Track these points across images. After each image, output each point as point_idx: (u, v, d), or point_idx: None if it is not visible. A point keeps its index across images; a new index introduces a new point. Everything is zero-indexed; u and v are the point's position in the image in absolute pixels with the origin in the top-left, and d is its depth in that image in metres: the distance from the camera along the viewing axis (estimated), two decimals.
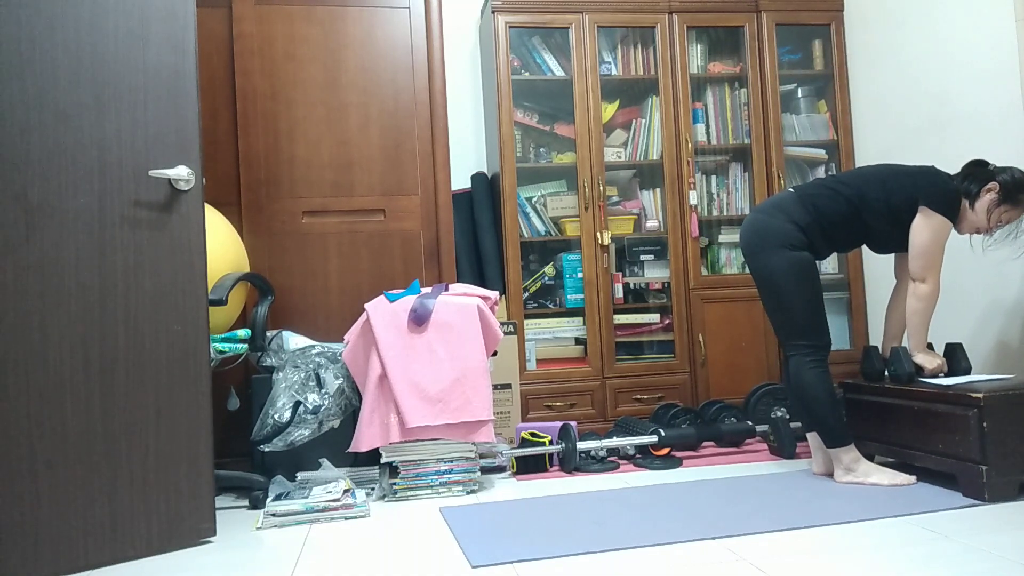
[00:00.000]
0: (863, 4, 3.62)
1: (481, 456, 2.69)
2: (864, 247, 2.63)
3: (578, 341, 3.55)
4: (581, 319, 3.54)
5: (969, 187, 2.43)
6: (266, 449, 2.58)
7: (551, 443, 2.84)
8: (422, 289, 2.79)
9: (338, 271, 3.09)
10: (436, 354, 2.58)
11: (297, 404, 2.59)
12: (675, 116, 3.62)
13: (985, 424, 2.14)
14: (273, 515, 2.27)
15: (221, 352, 2.53)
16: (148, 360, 2.04)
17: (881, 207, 2.45)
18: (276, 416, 2.58)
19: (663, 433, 2.89)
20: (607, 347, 3.49)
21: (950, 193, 2.42)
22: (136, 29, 2.06)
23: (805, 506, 2.17)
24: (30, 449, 1.86)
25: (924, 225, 2.41)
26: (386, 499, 2.52)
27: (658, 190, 3.69)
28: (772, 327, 2.65)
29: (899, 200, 2.43)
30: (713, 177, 3.74)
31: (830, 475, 2.49)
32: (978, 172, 2.45)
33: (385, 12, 3.18)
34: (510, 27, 3.51)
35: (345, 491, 2.36)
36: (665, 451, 2.88)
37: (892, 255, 2.67)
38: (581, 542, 1.92)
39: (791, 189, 2.57)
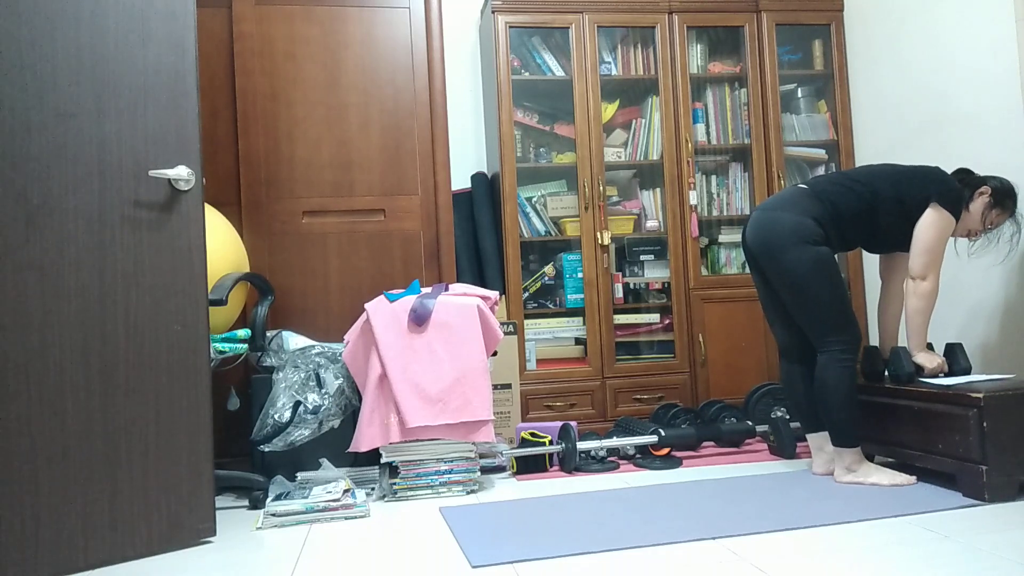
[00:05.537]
0: (863, 4, 3.62)
1: (481, 456, 2.69)
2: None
3: (578, 341, 3.55)
4: (581, 319, 3.54)
5: (963, 190, 2.50)
6: (266, 449, 2.58)
7: (551, 443, 2.84)
8: (422, 289, 2.79)
9: (338, 271, 3.09)
10: (436, 354, 2.58)
11: (297, 404, 2.59)
12: (675, 116, 3.62)
13: (985, 424, 2.14)
14: (273, 515, 2.27)
15: (221, 352, 2.53)
16: (148, 360, 2.04)
17: (893, 206, 2.46)
18: (276, 416, 2.58)
19: (663, 433, 2.89)
20: (607, 347, 3.49)
21: (959, 192, 2.47)
22: (136, 29, 2.06)
23: (805, 506, 2.17)
24: (30, 449, 1.86)
25: (933, 221, 2.42)
26: (386, 499, 2.52)
27: (658, 190, 3.69)
28: (774, 327, 2.63)
29: (911, 199, 2.45)
30: (713, 177, 3.74)
31: (830, 475, 2.49)
32: (968, 178, 2.54)
33: (385, 12, 3.18)
34: (510, 27, 3.51)
35: (345, 491, 2.36)
36: (665, 451, 2.88)
37: (877, 258, 2.69)
38: (581, 542, 1.92)
39: (803, 185, 2.54)
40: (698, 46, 3.73)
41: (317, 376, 2.66)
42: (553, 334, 3.53)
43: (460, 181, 3.72)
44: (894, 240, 2.52)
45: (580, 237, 3.52)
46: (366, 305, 2.67)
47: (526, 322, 3.48)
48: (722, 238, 3.72)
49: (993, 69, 2.91)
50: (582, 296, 3.51)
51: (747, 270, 3.67)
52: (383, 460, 2.54)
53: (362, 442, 2.52)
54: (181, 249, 2.11)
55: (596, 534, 1.98)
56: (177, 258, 2.10)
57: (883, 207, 2.47)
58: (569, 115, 3.60)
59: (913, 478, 2.36)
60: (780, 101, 3.69)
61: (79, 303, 1.95)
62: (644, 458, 2.86)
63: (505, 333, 3.10)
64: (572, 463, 2.76)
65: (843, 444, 2.40)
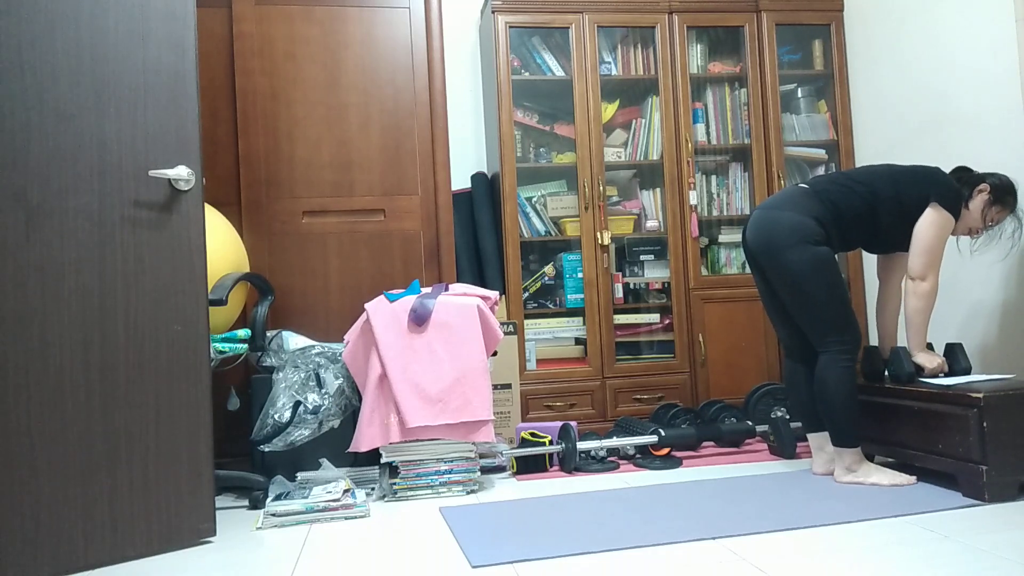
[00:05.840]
0: (863, 4, 3.62)
1: (481, 456, 2.69)
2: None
3: (578, 341, 3.55)
4: (581, 319, 3.54)
5: (961, 190, 2.50)
6: (266, 449, 2.58)
7: (551, 443, 2.84)
8: (422, 289, 2.79)
9: (338, 271, 3.09)
10: (436, 354, 2.58)
11: (297, 404, 2.59)
12: (675, 116, 3.62)
13: (985, 424, 2.14)
14: (273, 515, 2.27)
15: (221, 352, 2.53)
16: (148, 360, 2.04)
17: (893, 206, 2.46)
18: (276, 416, 2.58)
19: (663, 433, 2.89)
20: (607, 347, 3.49)
21: (958, 192, 2.48)
22: (136, 29, 2.06)
23: (805, 506, 2.17)
24: (30, 449, 1.86)
25: (932, 221, 2.42)
26: (386, 499, 2.52)
27: (658, 190, 3.69)
28: (777, 327, 2.63)
29: (910, 198, 2.45)
30: (713, 177, 3.74)
31: (830, 475, 2.49)
32: (966, 176, 2.54)
33: (385, 12, 3.18)
34: (510, 27, 3.51)
35: (345, 491, 2.36)
36: (665, 451, 2.88)
37: (876, 257, 2.70)
38: (581, 542, 1.92)
39: (803, 185, 2.54)
40: (698, 46, 3.73)
41: (317, 376, 2.66)
42: (553, 334, 3.53)
43: (460, 181, 3.72)
44: (894, 240, 2.53)
45: (580, 237, 3.52)
46: (366, 305, 2.67)
47: (526, 322, 3.48)
48: (722, 238, 3.72)
49: (993, 69, 2.91)
50: (582, 296, 3.51)
51: (747, 270, 3.67)
52: (383, 460, 2.54)
53: (362, 442, 2.52)
54: (181, 249, 2.11)
55: (596, 534, 1.98)
56: (177, 258, 2.10)
57: (883, 207, 2.47)
58: (569, 115, 3.60)
59: (913, 478, 2.36)
60: (780, 101, 3.69)
61: (79, 303, 1.95)
62: (644, 458, 2.86)
63: (505, 333, 3.10)
64: (572, 463, 2.76)
65: (843, 444, 2.40)
